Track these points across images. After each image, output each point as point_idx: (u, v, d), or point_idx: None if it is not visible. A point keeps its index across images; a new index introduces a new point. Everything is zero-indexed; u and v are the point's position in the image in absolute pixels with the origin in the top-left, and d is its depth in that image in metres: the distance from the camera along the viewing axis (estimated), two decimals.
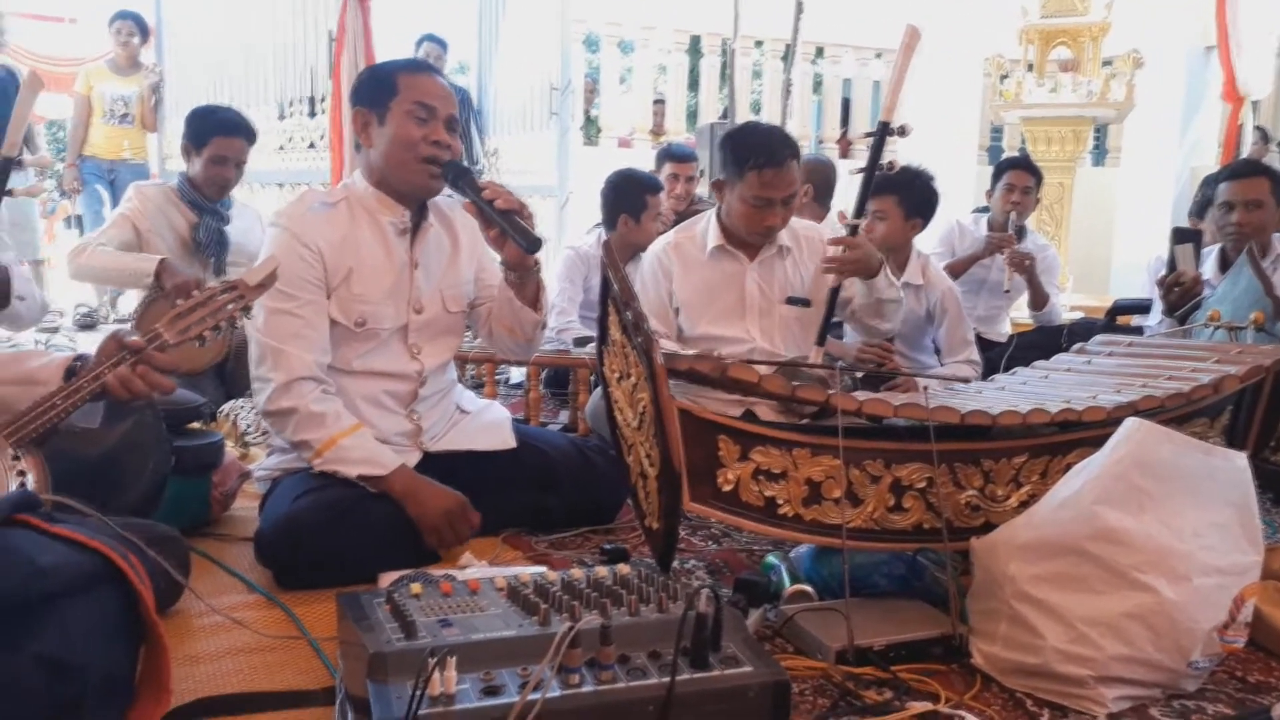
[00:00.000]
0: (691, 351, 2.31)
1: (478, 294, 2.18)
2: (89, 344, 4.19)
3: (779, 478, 1.63)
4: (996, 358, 3.59)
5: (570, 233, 5.80)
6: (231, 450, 2.47)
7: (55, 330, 5.21)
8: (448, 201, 2.12)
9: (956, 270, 3.97)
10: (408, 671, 1.09)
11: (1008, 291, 4.12)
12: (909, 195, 3.20)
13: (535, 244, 1.91)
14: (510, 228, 1.88)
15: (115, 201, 5.55)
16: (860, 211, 2.51)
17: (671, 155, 4.38)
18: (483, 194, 1.88)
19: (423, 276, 2.06)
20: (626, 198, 3.62)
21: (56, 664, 1.14)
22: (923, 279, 3.26)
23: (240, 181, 3.44)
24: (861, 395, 1.74)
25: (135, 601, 1.27)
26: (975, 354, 3.24)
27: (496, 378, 3.59)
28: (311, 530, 1.78)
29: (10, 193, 2.50)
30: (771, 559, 1.82)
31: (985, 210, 4.40)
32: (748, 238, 2.54)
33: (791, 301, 2.59)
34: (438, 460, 2.06)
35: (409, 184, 1.99)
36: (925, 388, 1.91)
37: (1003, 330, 4.31)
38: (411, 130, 1.94)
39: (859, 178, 2.53)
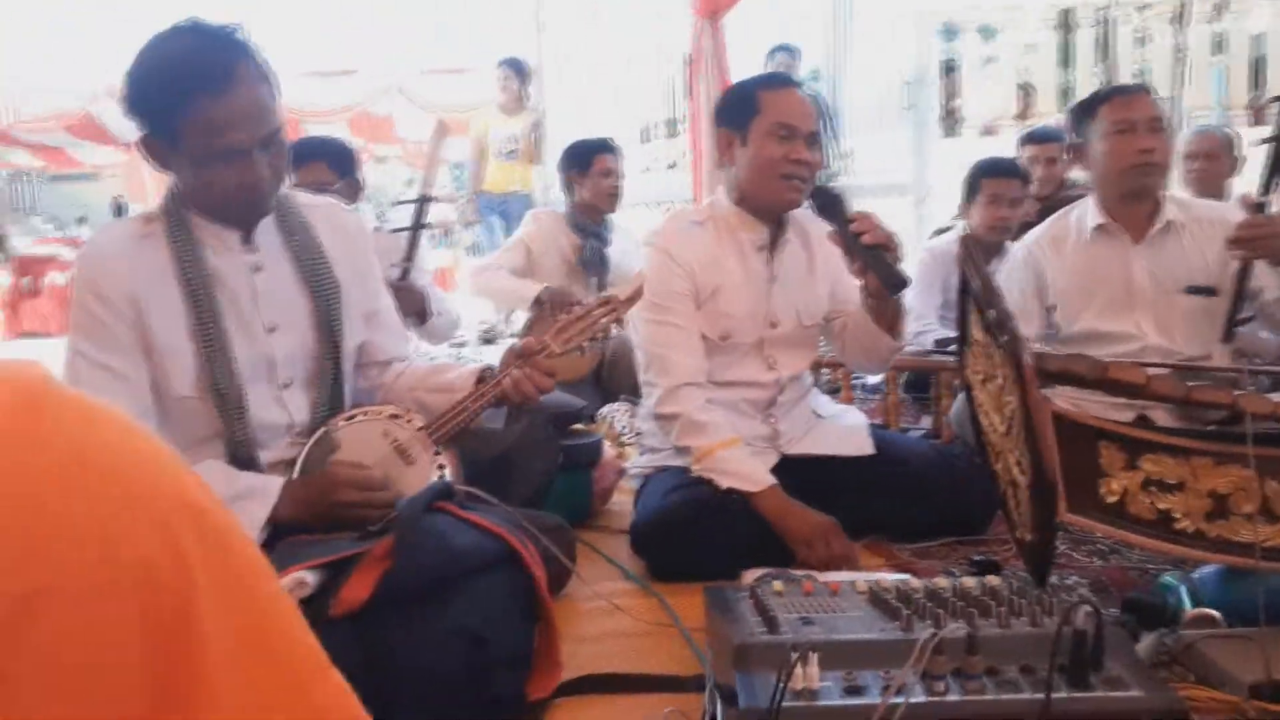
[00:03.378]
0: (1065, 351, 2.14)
1: (833, 309, 2.18)
2: (490, 355, 4.75)
3: (1175, 489, 1.46)
4: None
5: (929, 231, 5.60)
6: (609, 449, 2.68)
7: (464, 345, 5.95)
8: (806, 214, 2.13)
9: None
10: (770, 664, 1.12)
11: None
12: None
13: (900, 285, 1.87)
14: (876, 265, 1.85)
15: (508, 229, 6.23)
16: (1268, 187, 2.17)
17: (1030, 138, 4.10)
18: (851, 225, 1.86)
19: (780, 292, 2.10)
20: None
21: (472, 635, 1.32)
22: None
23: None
24: (1277, 397, 1.51)
25: (531, 583, 1.42)
26: None
27: (853, 381, 3.56)
28: (682, 525, 1.89)
29: (429, 225, 2.91)
30: (1169, 578, 1.63)
31: None
32: (1130, 185, 2.30)
33: (1192, 290, 2.29)
34: (795, 463, 2.08)
35: (769, 200, 2.06)
36: None
37: None
38: (772, 149, 1.99)
39: (1266, 149, 2.20)
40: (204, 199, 1.60)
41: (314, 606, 1.32)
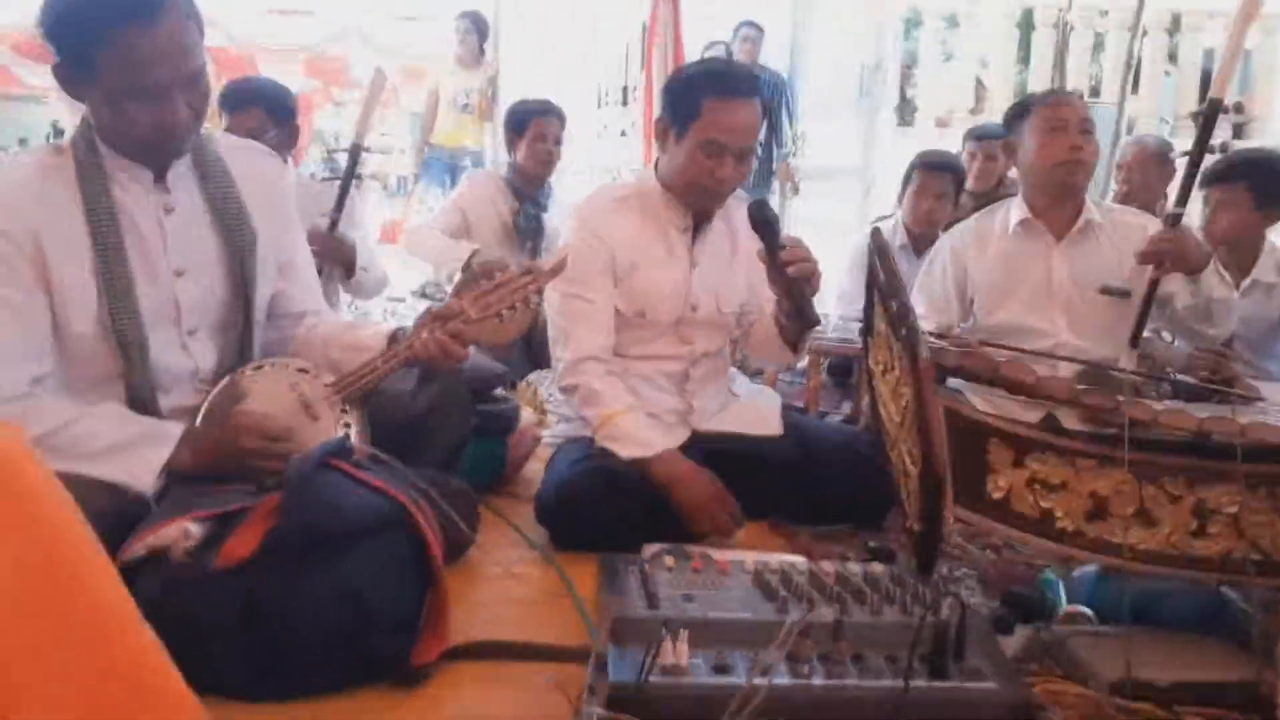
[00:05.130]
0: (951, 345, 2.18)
1: (748, 301, 2.18)
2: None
3: (1058, 489, 1.51)
4: None
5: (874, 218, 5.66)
6: (530, 416, 2.67)
7: (402, 300, 5.87)
8: (734, 201, 2.13)
9: None
10: (644, 638, 1.14)
11: None
12: (1261, 182, 2.80)
13: (811, 323, 1.92)
14: (794, 296, 1.86)
15: (455, 185, 6.15)
16: (1184, 199, 2.23)
17: (973, 133, 4.16)
18: (781, 252, 1.84)
19: (699, 276, 2.11)
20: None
21: (355, 595, 1.32)
22: (1277, 276, 2.85)
23: (560, 167, 3.71)
24: (1160, 405, 1.56)
25: (424, 547, 1.42)
26: None
27: None
28: (584, 496, 1.90)
29: (360, 176, 2.86)
30: (1050, 575, 1.69)
31: None
32: (1058, 180, 2.33)
33: (1107, 291, 2.34)
34: (706, 440, 2.10)
35: (689, 202, 2.07)
36: (1235, 401, 1.68)
37: None
38: (700, 161, 1.98)
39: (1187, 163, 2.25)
40: (118, 134, 1.56)
41: (199, 558, 1.31)
